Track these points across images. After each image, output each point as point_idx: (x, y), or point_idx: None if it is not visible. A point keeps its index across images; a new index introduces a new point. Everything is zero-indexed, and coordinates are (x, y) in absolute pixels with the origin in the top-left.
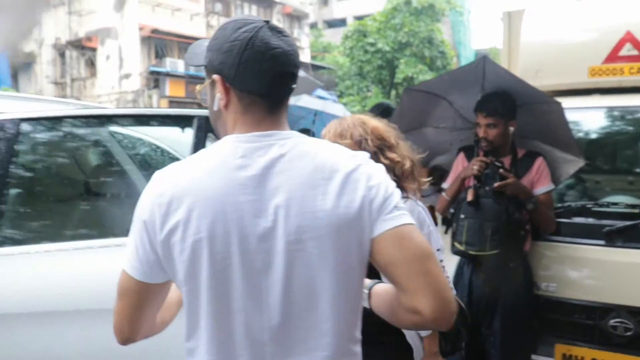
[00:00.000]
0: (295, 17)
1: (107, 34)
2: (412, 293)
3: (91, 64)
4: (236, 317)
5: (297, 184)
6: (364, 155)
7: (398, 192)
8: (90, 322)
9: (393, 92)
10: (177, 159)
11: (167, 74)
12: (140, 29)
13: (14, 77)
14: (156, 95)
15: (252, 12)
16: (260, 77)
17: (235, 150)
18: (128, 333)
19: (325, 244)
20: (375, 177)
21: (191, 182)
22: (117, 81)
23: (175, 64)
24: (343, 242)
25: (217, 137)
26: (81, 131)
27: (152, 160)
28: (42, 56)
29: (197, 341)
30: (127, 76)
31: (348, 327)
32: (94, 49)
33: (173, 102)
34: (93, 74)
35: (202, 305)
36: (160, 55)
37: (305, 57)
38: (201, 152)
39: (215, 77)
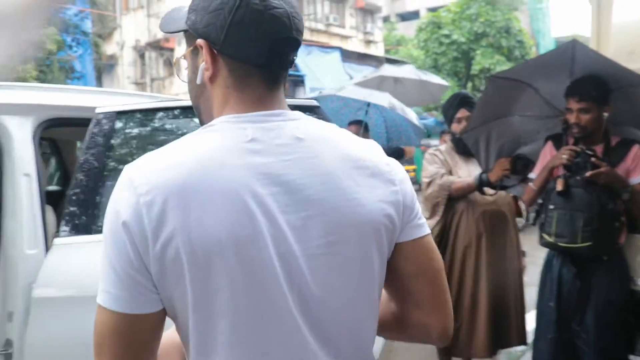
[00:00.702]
0: (368, 11)
1: (184, 34)
2: (429, 310)
3: (169, 64)
4: (273, 342)
5: (327, 174)
6: (379, 147)
7: None
8: None
9: (469, 84)
10: None
11: None
12: None
13: (98, 78)
14: None
15: (324, 8)
16: (257, 42)
17: (243, 132)
18: None
19: (363, 244)
20: (401, 174)
21: (194, 172)
22: None
23: None
24: (375, 244)
25: (200, 122)
26: (172, 123)
27: None
28: (124, 58)
29: None
30: None
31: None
32: (171, 50)
33: None
34: (171, 73)
35: (222, 335)
36: None
37: (378, 51)
38: (188, 138)
39: (200, 41)
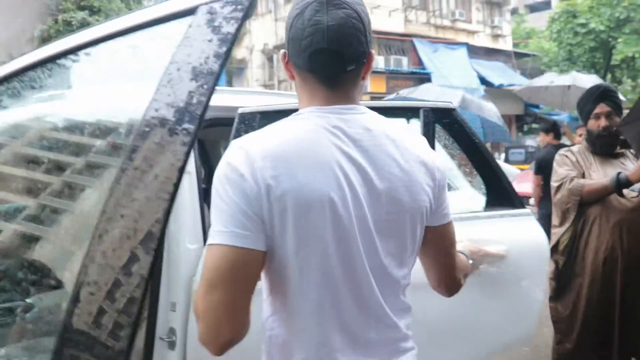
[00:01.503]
0: (495, 4)
1: None
2: (436, 277)
3: None
4: (359, 289)
5: (388, 160)
6: (424, 140)
7: None
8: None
9: (609, 76)
10: None
11: None
12: None
13: (229, 82)
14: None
15: (449, 3)
16: (301, 53)
17: (327, 120)
18: (229, 331)
19: (412, 222)
20: (441, 166)
21: (297, 146)
22: None
23: (375, 60)
24: (419, 223)
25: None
26: None
27: None
28: (253, 61)
29: (306, 317)
30: None
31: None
32: None
33: (374, 98)
34: None
35: (330, 280)
36: None
37: (507, 45)
38: (286, 122)
39: (282, 51)
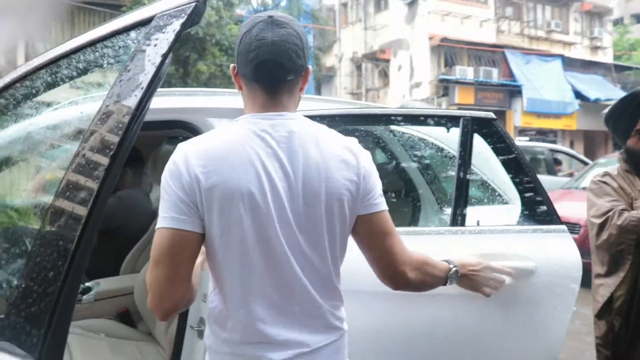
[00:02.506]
0: (596, 13)
1: (399, 45)
2: (374, 263)
3: (384, 74)
4: (279, 268)
5: (308, 158)
6: (355, 142)
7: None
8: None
9: None
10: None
11: (457, 82)
12: (430, 38)
13: (317, 89)
14: (445, 103)
15: (545, 13)
16: (248, 65)
17: (257, 125)
18: (170, 301)
19: (328, 207)
20: (366, 165)
21: (226, 148)
22: (408, 90)
23: (464, 71)
24: (337, 209)
25: None
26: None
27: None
28: (342, 69)
29: (231, 292)
30: (417, 85)
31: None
32: (387, 61)
33: (462, 110)
34: (386, 84)
35: (249, 259)
36: (449, 63)
37: (607, 57)
38: (223, 127)
39: (231, 65)
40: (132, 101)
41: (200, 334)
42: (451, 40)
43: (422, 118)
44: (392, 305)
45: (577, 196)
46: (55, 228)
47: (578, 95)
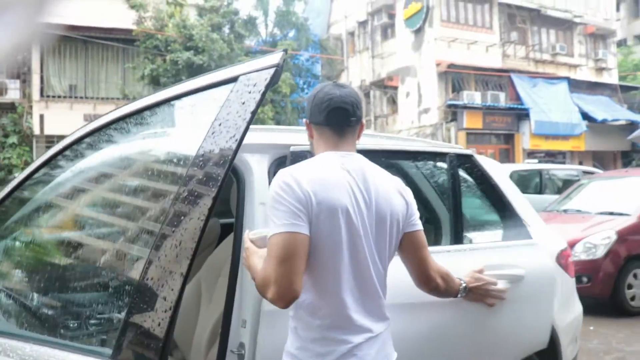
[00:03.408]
0: (599, 36)
1: (406, 72)
2: (414, 272)
3: (392, 101)
4: (366, 264)
5: (380, 184)
6: (399, 180)
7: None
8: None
9: None
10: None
11: (465, 107)
12: (437, 64)
13: None
14: (454, 128)
15: (549, 37)
16: (321, 113)
17: (338, 161)
18: (295, 291)
19: (391, 224)
20: (409, 195)
21: (324, 175)
22: (416, 116)
23: (472, 96)
24: (395, 226)
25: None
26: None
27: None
28: None
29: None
30: (426, 111)
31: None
32: (395, 88)
33: (470, 134)
34: (394, 110)
35: (343, 260)
36: (457, 88)
37: (612, 78)
38: (313, 160)
39: (304, 120)
40: (227, 151)
41: (241, 357)
42: (458, 66)
43: (413, 154)
44: (405, 314)
45: (561, 219)
46: (167, 257)
47: (585, 116)
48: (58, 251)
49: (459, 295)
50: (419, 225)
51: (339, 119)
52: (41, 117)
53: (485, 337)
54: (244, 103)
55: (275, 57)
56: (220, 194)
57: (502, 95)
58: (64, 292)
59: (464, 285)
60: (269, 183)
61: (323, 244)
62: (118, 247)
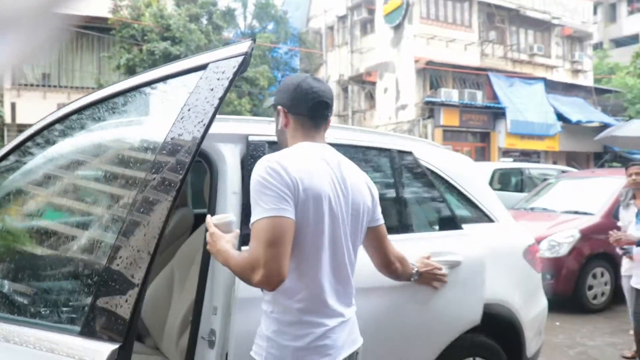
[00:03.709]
0: (576, 38)
1: (385, 68)
2: (377, 259)
3: (370, 97)
4: (343, 250)
5: (354, 178)
6: (364, 174)
7: None
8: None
9: None
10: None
11: (442, 104)
12: (416, 61)
13: None
14: (431, 125)
15: (527, 37)
16: (306, 104)
17: (317, 152)
18: (284, 274)
19: (363, 216)
20: (374, 188)
21: (308, 163)
22: (394, 112)
23: (449, 93)
24: (365, 220)
25: (281, 146)
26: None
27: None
28: None
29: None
30: (403, 107)
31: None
32: (373, 83)
33: (447, 131)
34: (372, 106)
35: (324, 246)
36: (435, 85)
37: (587, 80)
38: (293, 149)
39: (279, 107)
40: (195, 135)
41: (211, 344)
42: (436, 63)
43: (366, 149)
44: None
45: (528, 217)
46: (135, 238)
47: (560, 117)
48: (29, 237)
49: (412, 279)
50: (382, 219)
51: (322, 111)
52: (13, 105)
53: (427, 316)
54: (212, 89)
55: (243, 46)
56: (187, 176)
57: (479, 94)
58: (37, 275)
59: (415, 269)
60: (241, 173)
61: (306, 230)
62: (88, 231)
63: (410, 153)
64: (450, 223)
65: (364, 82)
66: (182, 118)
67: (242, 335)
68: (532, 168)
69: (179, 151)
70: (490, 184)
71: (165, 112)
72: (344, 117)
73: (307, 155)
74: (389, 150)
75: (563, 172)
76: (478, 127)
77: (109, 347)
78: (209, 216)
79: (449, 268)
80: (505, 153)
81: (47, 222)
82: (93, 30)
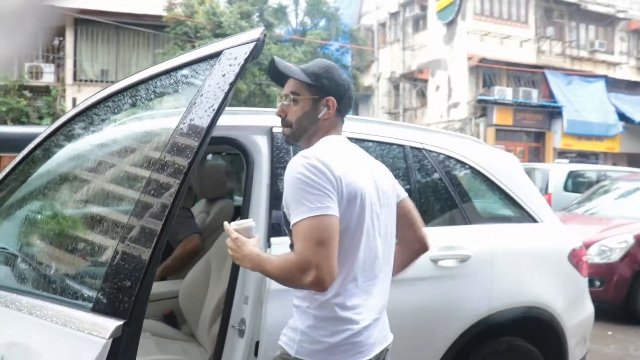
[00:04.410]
0: None
1: (437, 65)
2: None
3: (422, 94)
4: (375, 244)
5: (379, 171)
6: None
7: None
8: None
9: None
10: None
11: (495, 102)
12: (469, 58)
13: (355, 108)
14: (483, 124)
15: (588, 33)
16: (347, 95)
17: (348, 144)
18: (335, 272)
19: (393, 202)
20: (391, 174)
21: (345, 159)
22: (445, 110)
23: (503, 92)
24: (395, 204)
25: (297, 133)
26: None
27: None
28: (379, 89)
29: (352, 268)
30: (455, 105)
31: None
32: (424, 81)
33: (500, 131)
34: (423, 104)
35: (362, 242)
36: (488, 83)
37: None
38: (326, 142)
39: (331, 99)
40: (205, 120)
41: (241, 333)
42: (490, 61)
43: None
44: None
45: (578, 220)
46: (144, 219)
47: (622, 117)
48: (54, 218)
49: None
50: (405, 193)
51: (351, 105)
52: (74, 100)
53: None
54: (224, 75)
55: (256, 33)
56: (197, 161)
57: (534, 92)
58: (58, 254)
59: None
60: (270, 164)
61: (347, 226)
62: (106, 212)
63: (421, 149)
64: (460, 217)
65: (416, 80)
66: (194, 103)
67: (273, 326)
68: (609, 170)
69: (190, 135)
70: (565, 186)
71: (182, 99)
72: (395, 115)
73: (343, 150)
74: (402, 146)
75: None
76: (532, 127)
77: (114, 323)
78: (226, 223)
79: (460, 262)
80: (561, 154)
81: (73, 206)
82: (148, 27)
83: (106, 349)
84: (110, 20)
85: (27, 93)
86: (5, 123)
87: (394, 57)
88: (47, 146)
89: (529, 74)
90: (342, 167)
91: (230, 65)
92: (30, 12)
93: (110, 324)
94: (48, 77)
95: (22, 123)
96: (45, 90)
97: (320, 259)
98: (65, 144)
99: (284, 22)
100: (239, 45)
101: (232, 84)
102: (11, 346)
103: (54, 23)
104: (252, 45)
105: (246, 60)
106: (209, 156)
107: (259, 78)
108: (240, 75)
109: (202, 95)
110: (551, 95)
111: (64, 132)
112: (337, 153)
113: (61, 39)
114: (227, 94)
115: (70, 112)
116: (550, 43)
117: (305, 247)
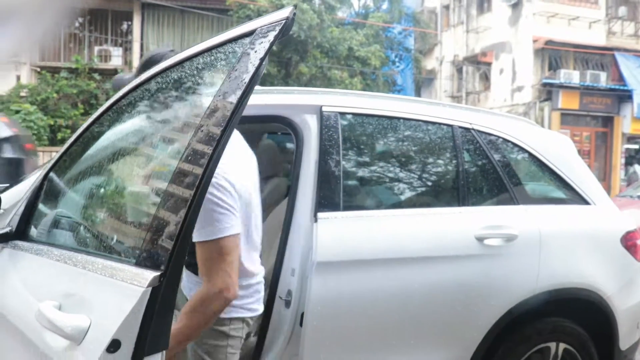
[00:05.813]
0: None
1: (501, 48)
2: None
3: (485, 78)
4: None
5: (251, 157)
6: None
7: None
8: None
9: None
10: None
11: (561, 86)
12: (534, 41)
13: (417, 91)
14: (548, 108)
15: None
16: None
17: (238, 136)
18: (238, 285)
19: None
20: None
21: (238, 163)
22: (509, 94)
23: (569, 75)
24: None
25: None
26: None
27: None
28: (442, 72)
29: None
30: (519, 89)
31: None
32: (488, 64)
33: (565, 115)
34: (487, 87)
35: (255, 241)
36: (554, 66)
37: None
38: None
39: None
40: (235, 97)
41: (288, 304)
42: (556, 43)
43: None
44: (341, 275)
45: (635, 205)
46: (179, 187)
47: None
48: (108, 190)
49: None
50: None
51: None
52: None
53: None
54: (256, 52)
55: (285, 11)
56: (229, 129)
57: (603, 75)
58: (110, 220)
59: None
60: (319, 143)
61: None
62: (151, 180)
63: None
64: (507, 198)
65: (479, 63)
66: (229, 78)
67: (319, 297)
68: None
69: (225, 107)
70: None
71: (219, 75)
72: (457, 99)
73: (236, 147)
74: (451, 126)
75: None
76: (600, 111)
77: (152, 274)
78: None
79: (506, 241)
80: (630, 139)
81: (122, 178)
82: (212, 11)
83: (145, 295)
84: (176, 5)
85: (96, 76)
86: (75, 105)
87: (457, 40)
88: (101, 122)
89: (598, 57)
90: (235, 174)
91: (261, 43)
92: (48, 2)
93: (149, 274)
94: (116, 60)
95: (91, 105)
96: (114, 73)
97: (234, 273)
98: (116, 120)
99: (347, 4)
100: (270, 24)
101: (262, 59)
102: (67, 296)
103: (72, 13)
104: (282, 23)
105: (276, 37)
106: (265, 135)
107: (320, 61)
108: (269, 51)
109: (235, 70)
110: (621, 78)
111: (116, 109)
112: (232, 157)
113: (129, 23)
114: (257, 68)
115: (123, 90)
116: (622, 24)
117: (228, 267)
